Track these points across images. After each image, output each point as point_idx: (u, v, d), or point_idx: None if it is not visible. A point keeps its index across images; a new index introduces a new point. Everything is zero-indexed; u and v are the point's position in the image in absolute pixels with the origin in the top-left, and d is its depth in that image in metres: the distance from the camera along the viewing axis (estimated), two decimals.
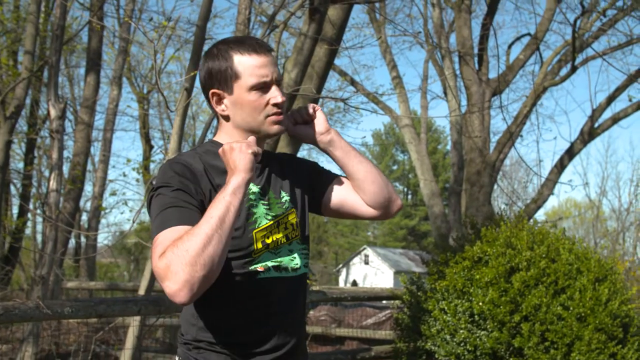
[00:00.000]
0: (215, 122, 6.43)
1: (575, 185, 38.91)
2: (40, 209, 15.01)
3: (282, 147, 5.75)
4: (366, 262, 49.50)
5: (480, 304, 5.12)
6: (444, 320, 5.30)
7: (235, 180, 1.89)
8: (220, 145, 2.12)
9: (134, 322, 5.36)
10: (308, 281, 2.35)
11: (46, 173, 17.28)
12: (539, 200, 14.41)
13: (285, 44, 13.38)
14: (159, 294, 7.12)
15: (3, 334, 8.92)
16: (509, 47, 15.17)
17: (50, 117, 7.10)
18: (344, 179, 2.30)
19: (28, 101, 12.87)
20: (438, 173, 44.62)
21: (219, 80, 2.09)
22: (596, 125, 14.51)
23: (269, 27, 6.30)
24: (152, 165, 20.85)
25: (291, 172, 2.24)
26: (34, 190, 16.56)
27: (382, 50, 16.65)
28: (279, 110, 2.11)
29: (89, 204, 19.92)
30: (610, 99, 14.43)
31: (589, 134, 14.45)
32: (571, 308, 5.03)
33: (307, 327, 2.09)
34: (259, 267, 2.04)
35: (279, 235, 2.11)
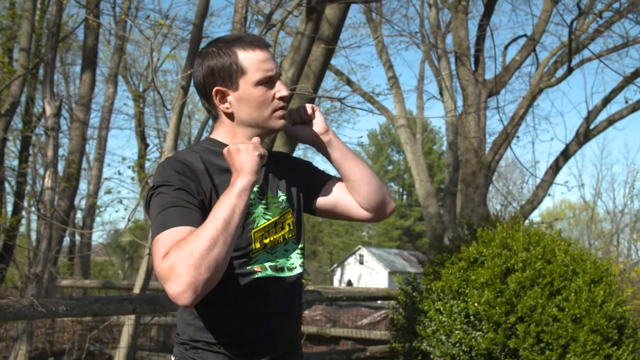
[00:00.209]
0: (210, 122, 6.40)
1: (571, 186, 38.99)
2: (35, 206, 14.97)
3: (279, 147, 5.74)
4: (361, 262, 49.52)
5: (476, 304, 5.12)
6: (440, 320, 5.30)
7: (241, 182, 1.87)
8: (219, 143, 2.11)
9: (128, 320, 5.34)
10: (303, 281, 2.34)
11: (41, 171, 17.23)
12: (534, 202, 14.43)
13: (281, 43, 13.37)
14: (154, 292, 7.11)
15: None
16: (505, 48, 15.19)
17: (45, 114, 7.07)
18: (338, 181, 2.29)
19: (23, 98, 12.82)
20: (433, 173, 44.66)
21: (223, 77, 2.06)
22: (592, 126, 14.54)
23: (265, 26, 6.29)
24: (147, 164, 20.83)
25: (287, 171, 2.22)
26: (28, 188, 16.51)
27: (379, 50, 16.65)
28: (285, 105, 2.11)
29: (83, 202, 19.89)
30: (606, 100, 14.46)
31: (584, 135, 14.48)
32: (566, 309, 5.03)
33: (302, 326, 2.08)
34: (257, 267, 2.04)
35: (276, 236, 2.10)
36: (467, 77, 12.47)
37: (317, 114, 2.23)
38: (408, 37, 17.00)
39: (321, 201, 2.27)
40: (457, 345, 5.19)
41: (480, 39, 13.01)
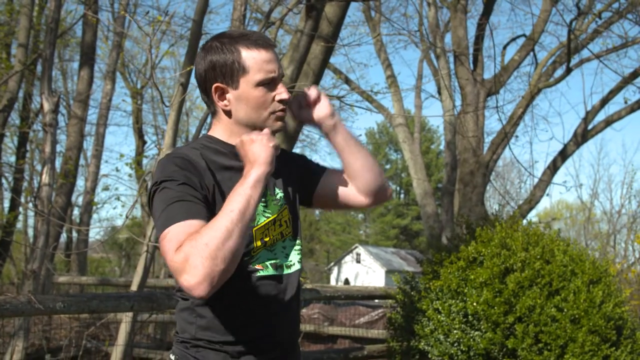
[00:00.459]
0: (209, 119, 6.40)
1: (569, 186, 39.02)
2: (32, 203, 14.94)
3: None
4: (358, 261, 49.52)
5: (475, 304, 5.11)
6: (438, 320, 5.29)
7: (256, 173, 1.87)
8: (217, 140, 2.09)
9: (126, 318, 5.32)
10: (301, 279, 2.33)
11: (38, 167, 17.23)
12: (532, 201, 14.44)
13: (280, 41, 13.35)
14: (151, 290, 7.10)
15: None
16: (504, 47, 15.18)
17: (43, 110, 7.05)
18: (333, 171, 2.28)
19: (21, 94, 12.80)
20: (431, 173, 44.66)
21: (224, 74, 2.03)
22: (590, 127, 14.55)
23: (265, 24, 6.28)
24: (145, 161, 20.81)
25: (283, 167, 2.18)
26: (25, 184, 16.49)
27: (377, 49, 16.64)
28: (284, 107, 2.08)
29: (80, 199, 19.87)
30: (604, 101, 14.47)
31: (582, 135, 14.49)
32: (565, 310, 5.02)
33: (300, 325, 2.07)
34: (258, 265, 2.03)
35: (275, 233, 2.09)
36: (466, 76, 12.46)
37: (323, 97, 2.20)
38: (407, 35, 17.00)
39: (319, 192, 2.27)
40: (456, 344, 5.18)
41: (479, 39, 13.00)
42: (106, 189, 18.01)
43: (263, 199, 2.07)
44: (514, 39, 15.06)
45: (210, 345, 2.00)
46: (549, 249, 5.40)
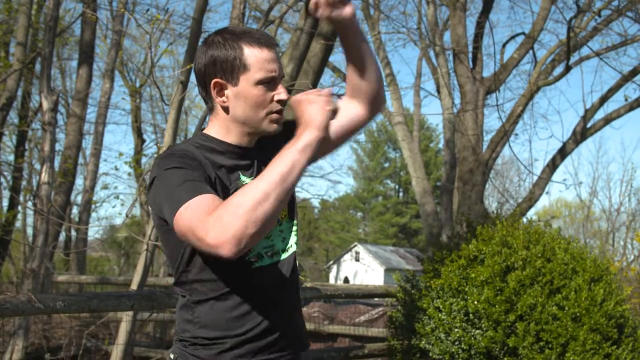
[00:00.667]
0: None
1: (569, 184, 38.98)
2: (31, 201, 14.92)
3: None
4: (357, 259, 49.53)
5: (476, 302, 5.10)
6: (439, 318, 5.27)
7: (308, 137, 1.82)
8: (212, 138, 2.08)
9: (126, 317, 5.31)
10: (301, 277, 2.31)
11: (37, 166, 17.21)
12: (532, 200, 14.44)
13: (279, 39, 13.33)
14: (151, 289, 7.08)
15: None
16: (503, 46, 15.17)
17: (42, 109, 7.04)
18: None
19: (19, 93, 12.78)
20: (430, 171, 44.63)
21: (224, 70, 2.01)
22: (589, 125, 14.55)
23: (264, 23, 6.27)
24: (144, 159, 20.78)
25: (272, 148, 2.14)
26: (24, 182, 16.47)
27: (376, 47, 16.61)
28: (281, 109, 2.06)
29: (79, 197, 19.85)
30: (603, 99, 14.47)
31: (581, 134, 14.50)
32: (566, 308, 5.01)
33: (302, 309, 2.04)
34: (253, 257, 2.02)
35: None
36: (465, 74, 12.45)
37: None
38: (405, 34, 17.00)
39: None
40: (456, 343, 5.17)
41: (479, 37, 12.99)
42: (105, 187, 17.98)
43: None
44: (513, 37, 15.05)
45: (208, 341, 1.99)
46: (550, 247, 5.39)
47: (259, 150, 2.14)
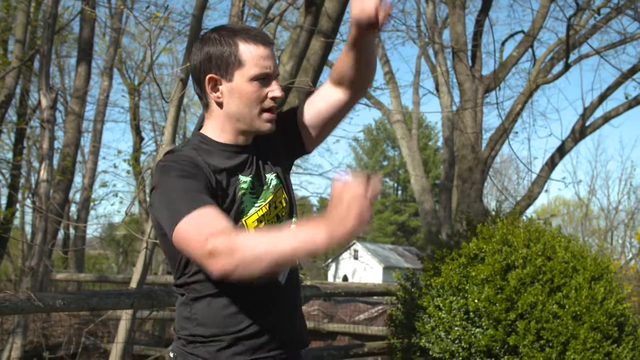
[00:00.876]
0: None
1: (568, 182, 38.90)
2: (30, 199, 14.90)
3: None
4: (355, 257, 49.52)
5: (476, 301, 5.09)
6: (439, 317, 5.26)
7: (329, 239, 1.64)
8: (210, 140, 2.07)
9: (125, 315, 5.29)
10: (301, 276, 2.30)
11: (35, 163, 17.17)
12: (530, 198, 14.43)
13: (278, 37, 13.30)
14: (151, 287, 7.07)
15: None
16: (502, 44, 15.14)
17: (41, 106, 7.03)
18: (306, 105, 2.22)
19: (18, 90, 12.75)
20: (428, 169, 44.62)
21: (219, 66, 2.02)
22: (587, 123, 14.54)
23: (264, 21, 6.25)
24: (142, 157, 20.77)
25: (268, 147, 2.17)
26: (23, 180, 16.44)
27: None
28: (275, 106, 2.07)
29: (78, 195, 19.81)
30: (602, 97, 14.46)
31: (580, 132, 14.48)
32: (567, 306, 5.00)
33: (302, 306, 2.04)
34: None
35: (271, 217, 2.08)
36: (465, 72, 12.43)
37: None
38: (405, 32, 16.97)
39: (307, 129, 2.21)
40: (457, 341, 5.16)
41: (478, 35, 12.97)
42: (104, 185, 17.98)
43: (254, 190, 2.06)
44: (512, 35, 15.03)
45: (206, 339, 1.99)
46: (550, 245, 5.38)
47: (255, 147, 2.14)
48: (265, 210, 2.06)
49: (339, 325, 8.54)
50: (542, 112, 36.24)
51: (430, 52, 16.63)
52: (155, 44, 5.44)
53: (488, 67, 15.01)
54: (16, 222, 19.40)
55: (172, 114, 5.15)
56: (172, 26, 13.67)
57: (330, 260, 51.10)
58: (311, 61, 6.17)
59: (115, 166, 33.79)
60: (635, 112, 62.55)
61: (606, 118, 14.55)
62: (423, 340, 5.35)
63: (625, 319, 5.27)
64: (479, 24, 12.94)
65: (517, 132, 14.96)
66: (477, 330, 5.09)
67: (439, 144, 47.13)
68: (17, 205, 15.35)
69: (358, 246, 49.88)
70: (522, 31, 13.86)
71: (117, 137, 62.38)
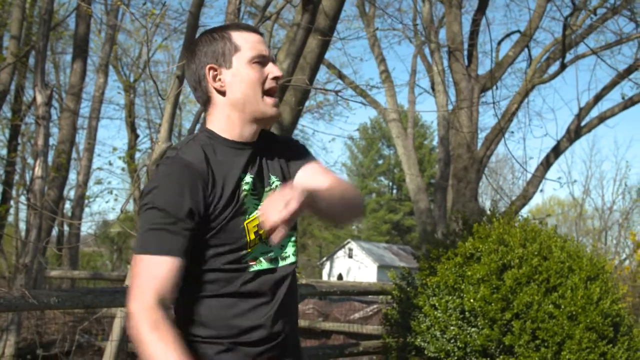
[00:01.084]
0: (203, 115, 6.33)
1: (563, 182, 38.90)
2: (24, 196, 14.86)
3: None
4: (350, 256, 49.51)
5: (472, 300, 5.08)
6: (435, 316, 5.25)
7: None
8: (218, 136, 2.05)
9: (120, 313, 5.27)
10: (297, 274, 2.28)
11: (30, 160, 17.13)
12: (525, 198, 14.45)
13: (274, 35, 13.27)
14: None
15: None
16: (498, 44, 15.15)
17: (36, 103, 6.99)
18: (313, 168, 2.18)
19: (13, 87, 12.71)
20: (424, 168, 44.68)
21: (217, 56, 2.04)
22: (583, 123, 14.55)
23: (261, 19, 6.23)
24: (137, 154, 20.71)
25: (280, 154, 2.16)
26: (17, 177, 16.39)
27: (371, 43, 16.59)
28: (276, 87, 2.07)
29: (72, 192, 19.76)
30: (598, 97, 14.48)
31: (575, 132, 14.50)
32: (562, 306, 5.00)
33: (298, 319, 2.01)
34: (251, 260, 2.00)
35: None
36: (461, 72, 12.43)
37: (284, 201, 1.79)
38: (401, 31, 16.96)
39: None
40: (452, 341, 5.16)
41: (474, 34, 12.98)
42: (99, 182, 17.90)
43: (256, 192, 2.04)
44: (508, 35, 15.04)
45: (204, 340, 1.98)
46: (546, 245, 5.38)
47: (265, 147, 2.13)
48: None
49: (333, 324, 8.52)
50: (538, 112, 36.37)
51: (427, 51, 16.63)
52: (152, 41, 5.41)
53: (484, 66, 14.97)
54: (10, 218, 19.37)
55: (168, 111, 5.13)
56: (168, 23, 13.63)
57: (325, 259, 51.12)
58: (308, 59, 6.16)
59: (110, 163, 33.64)
60: (630, 113, 62.74)
61: (601, 118, 14.57)
62: (418, 340, 5.35)
63: (621, 319, 5.27)
64: (476, 24, 12.94)
65: (513, 132, 14.96)
66: (473, 329, 5.08)
67: (435, 143, 47.20)
68: (12, 202, 15.31)
69: (352, 245, 49.90)
70: (519, 31, 13.87)
71: (112, 134, 62.29)
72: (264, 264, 2.02)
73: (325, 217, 2.03)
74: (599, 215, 36.30)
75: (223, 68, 2.03)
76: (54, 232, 15.90)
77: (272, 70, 2.06)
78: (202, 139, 2.06)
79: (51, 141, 12.67)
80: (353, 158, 56.21)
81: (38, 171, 6.85)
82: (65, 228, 17.49)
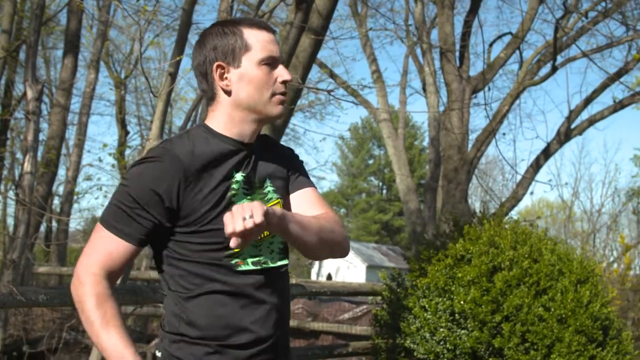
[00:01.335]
0: (197, 113, 6.33)
1: (554, 184, 39.00)
2: (13, 191, 14.77)
3: (264, 130, 5.66)
4: None
5: (462, 302, 5.08)
6: (424, 318, 5.25)
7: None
8: (215, 132, 2.02)
9: None
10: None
11: (19, 155, 17.03)
12: (515, 199, 14.47)
13: None
14: (134, 282, 7.01)
15: None
16: (490, 45, 15.15)
17: (26, 98, 6.95)
18: (306, 194, 2.16)
19: (3, 81, 12.64)
20: (414, 169, 44.70)
21: (226, 53, 1.99)
22: (573, 126, 14.59)
23: (254, 17, 6.20)
24: (127, 151, 20.63)
25: (277, 160, 2.13)
26: (6, 172, 16.29)
27: (363, 43, 16.58)
28: (285, 90, 2.03)
29: (61, 188, 19.66)
30: (588, 100, 14.52)
31: (565, 134, 14.53)
32: (552, 309, 5.00)
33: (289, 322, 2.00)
34: (238, 260, 1.98)
35: None
36: (452, 73, 12.43)
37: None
38: (393, 31, 16.96)
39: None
40: (442, 343, 5.15)
41: (466, 35, 12.98)
42: (88, 178, 17.84)
43: (248, 192, 2.02)
44: (500, 37, 15.04)
45: (192, 340, 1.96)
46: (536, 247, 5.38)
47: (263, 150, 2.11)
48: None
49: (322, 324, 8.50)
50: (529, 114, 36.34)
51: (418, 51, 16.63)
52: (144, 37, 5.38)
53: (476, 68, 15.02)
54: None
55: (160, 108, 5.11)
56: (160, 20, 13.56)
57: None
58: (300, 58, 6.14)
59: (100, 159, 33.60)
60: (619, 116, 62.97)
61: (591, 121, 14.61)
62: (408, 341, 5.34)
63: (610, 322, 5.29)
64: (468, 25, 12.95)
65: (504, 133, 14.99)
66: (463, 332, 5.08)
67: (425, 143, 47.28)
68: (0, 197, 15.23)
69: None
70: (510, 33, 13.88)
71: (102, 130, 62.07)
72: (250, 266, 1.99)
73: (299, 248, 1.99)
74: (588, 217, 36.46)
75: (231, 67, 1.99)
76: (42, 228, 15.80)
77: (282, 73, 2.02)
78: (198, 133, 2.03)
79: (41, 137, 12.60)
80: (343, 158, 56.20)
81: (27, 166, 6.81)
82: (54, 224, 17.39)
